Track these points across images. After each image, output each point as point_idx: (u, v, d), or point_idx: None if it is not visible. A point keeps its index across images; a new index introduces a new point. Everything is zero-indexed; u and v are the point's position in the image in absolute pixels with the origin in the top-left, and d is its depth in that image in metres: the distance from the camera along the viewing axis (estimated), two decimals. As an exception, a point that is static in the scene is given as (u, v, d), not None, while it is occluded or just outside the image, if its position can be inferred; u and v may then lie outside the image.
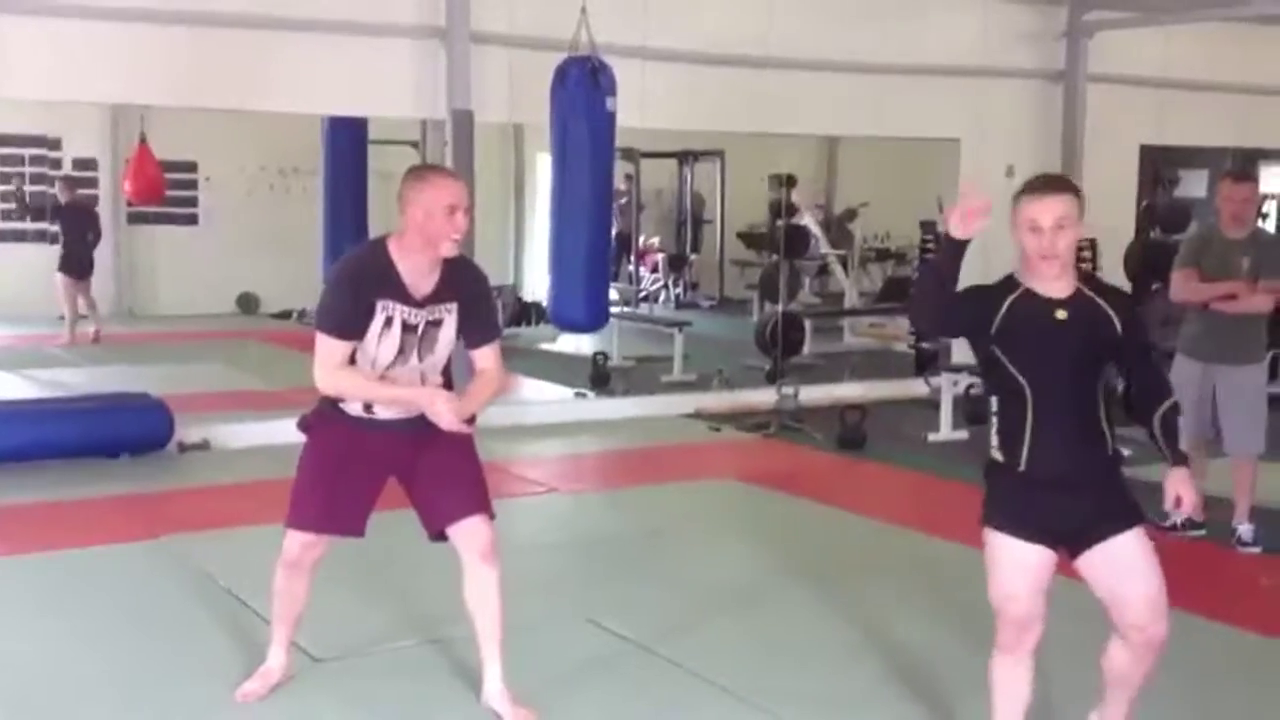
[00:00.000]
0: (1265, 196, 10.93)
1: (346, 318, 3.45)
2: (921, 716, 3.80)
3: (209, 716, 3.73)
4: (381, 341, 3.47)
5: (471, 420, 3.59)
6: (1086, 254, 9.08)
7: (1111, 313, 3.07)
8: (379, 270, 3.45)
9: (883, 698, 3.93)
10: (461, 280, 3.55)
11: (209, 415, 7.67)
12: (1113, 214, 9.92)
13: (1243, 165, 6.19)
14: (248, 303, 14.42)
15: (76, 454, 6.76)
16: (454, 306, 3.54)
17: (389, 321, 3.45)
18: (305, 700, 3.81)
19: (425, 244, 3.43)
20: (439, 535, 3.68)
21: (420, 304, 3.48)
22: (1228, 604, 4.86)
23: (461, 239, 3.47)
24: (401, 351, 3.50)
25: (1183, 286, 5.71)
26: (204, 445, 7.29)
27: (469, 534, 3.61)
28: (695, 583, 5.06)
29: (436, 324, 3.53)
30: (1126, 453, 3.21)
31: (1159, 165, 10.68)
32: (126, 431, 7.01)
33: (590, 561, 5.43)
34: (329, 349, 3.46)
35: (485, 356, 3.63)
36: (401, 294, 3.45)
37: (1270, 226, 10.50)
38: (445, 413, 3.44)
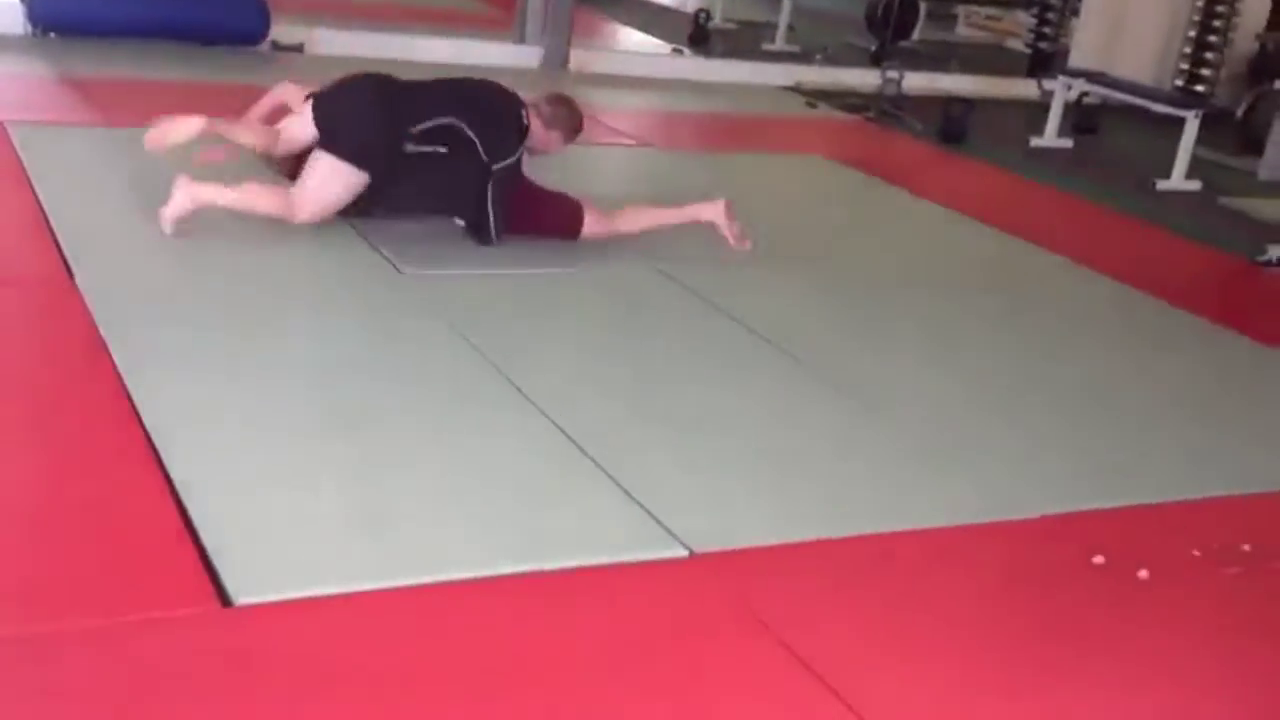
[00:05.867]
0: None
1: None
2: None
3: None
4: None
5: None
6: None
7: None
8: None
9: (964, 399, 3.97)
10: None
11: (306, 15, 7.56)
12: None
13: None
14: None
15: (173, 36, 6.83)
16: None
17: None
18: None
19: None
20: None
21: None
22: None
23: None
24: None
25: None
26: (298, 48, 7.24)
27: None
28: (772, 250, 5.03)
29: None
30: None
31: None
32: (222, 20, 7.01)
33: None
34: None
35: None
36: None
37: None
38: None
